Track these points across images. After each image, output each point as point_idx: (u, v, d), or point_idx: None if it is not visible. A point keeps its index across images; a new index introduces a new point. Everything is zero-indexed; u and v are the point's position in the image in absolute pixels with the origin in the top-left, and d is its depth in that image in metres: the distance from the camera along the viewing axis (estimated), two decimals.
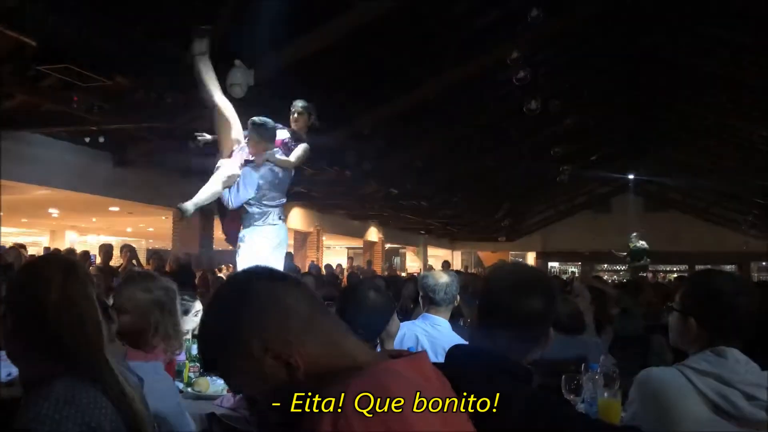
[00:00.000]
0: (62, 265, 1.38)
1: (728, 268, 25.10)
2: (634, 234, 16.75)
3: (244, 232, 4.65)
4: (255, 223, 4.59)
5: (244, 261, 4.51)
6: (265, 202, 4.64)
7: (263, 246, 4.53)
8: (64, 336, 1.33)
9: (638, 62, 12.04)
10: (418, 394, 0.93)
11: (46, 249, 10.57)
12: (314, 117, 5.06)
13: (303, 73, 8.18)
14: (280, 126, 4.91)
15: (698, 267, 25.67)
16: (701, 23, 9.60)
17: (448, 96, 9.79)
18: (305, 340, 1.02)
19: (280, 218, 4.70)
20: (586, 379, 2.45)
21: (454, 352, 1.61)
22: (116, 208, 12.84)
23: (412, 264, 24.37)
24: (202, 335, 1.08)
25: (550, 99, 10.78)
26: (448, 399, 1.05)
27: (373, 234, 19.51)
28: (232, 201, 4.65)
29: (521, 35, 8.51)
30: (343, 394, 0.91)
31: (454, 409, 1.05)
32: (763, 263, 25.94)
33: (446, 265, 15.97)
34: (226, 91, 6.25)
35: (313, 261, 14.67)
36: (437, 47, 9.11)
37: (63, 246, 14.38)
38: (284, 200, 4.80)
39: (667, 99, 14.01)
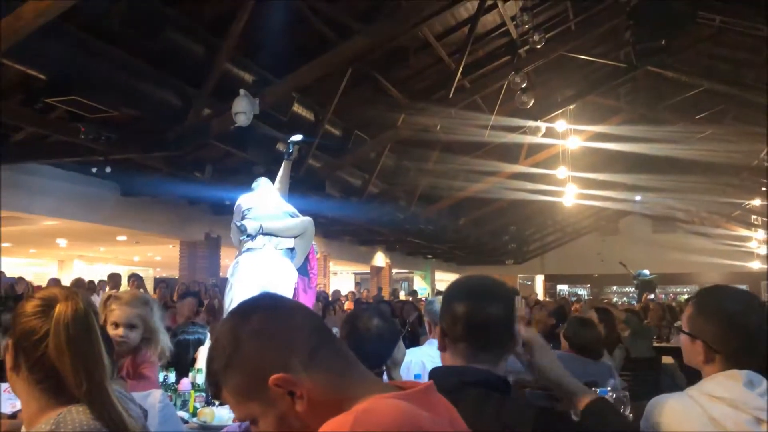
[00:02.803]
0: (64, 298, 1.38)
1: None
2: (643, 271, 16.71)
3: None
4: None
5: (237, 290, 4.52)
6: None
7: (246, 285, 4.53)
8: (66, 371, 1.32)
9: None
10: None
11: (53, 280, 10.58)
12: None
13: (303, 98, 8.28)
14: None
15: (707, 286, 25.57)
16: None
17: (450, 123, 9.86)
18: (310, 370, 1.01)
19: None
20: None
21: (432, 373, 1.60)
22: (124, 237, 12.90)
23: (421, 288, 24.27)
24: (208, 364, 1.07)
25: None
26: (459, 428, 1.03)
27: (380, 259, 19.48)
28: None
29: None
30: (340, 427, 0.90)
31: None
32: None
33: None
34: (233, 122, 6.34)
35: (321, 288, 14.63)
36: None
37: (71, 275, 14.42)
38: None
39: None
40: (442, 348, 1.61)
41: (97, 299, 6.42)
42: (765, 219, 20.93)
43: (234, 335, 1.04)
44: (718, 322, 1.74)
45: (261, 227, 4.49)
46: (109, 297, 2.70)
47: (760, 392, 1.67)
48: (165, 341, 2.73)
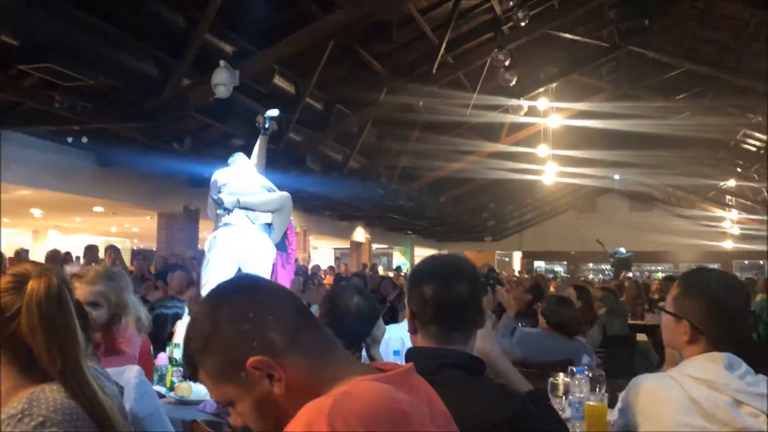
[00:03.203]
0: (37, 274, 1.34)
1: (711, 267, 25.39)
2: (620, 249, 16.93)
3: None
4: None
5: (207, 284, 4.49)
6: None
7: (224, 260, 4.50)
8: (39, 349, 1.29)
9: None
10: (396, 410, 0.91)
11: (22, 251, 10.42)
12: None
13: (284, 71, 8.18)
14: None
15: (682, 265, 26.08)
16: None
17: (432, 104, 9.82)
18: (289, 353, 1.00)
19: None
20: (572, 382, 2.44)
21: (408, 353, 1.61)
22: (100, 209, 12.73)
23: (402, 263, 24.36)
24: (185, 345, 1.06)
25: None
26: (438, 412, 1.03)
27: (360, 234, 19.49)
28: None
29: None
30: (320, 409, 0.89)
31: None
32: (746, 262, 26.22)
33: None
34: (212, 93, 6.24)
35: (303, 263, 14.61)
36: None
37: (46, 246, 14.22)
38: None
39: None
40: (412, 330, 1.61)
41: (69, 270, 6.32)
42: (739, 200, 21.29)
43: (212, 317, 1.02)
44: (704, 303, 1.76)
45: (238, 201, 4.46)
46: (72, 276, 2.65)
47: (740, 374, 1.69)
48: (142, 313, 2.70)
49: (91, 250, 8.91)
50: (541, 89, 11.74)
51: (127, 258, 12.43)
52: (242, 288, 1.07)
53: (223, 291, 1.07)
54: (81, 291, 2.51)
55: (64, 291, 1.36)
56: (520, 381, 1.72)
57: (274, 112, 5.08)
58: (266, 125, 5.01)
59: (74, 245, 12.54)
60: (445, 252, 26.77)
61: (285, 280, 5.01)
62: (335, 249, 23.33)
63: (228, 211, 4.54)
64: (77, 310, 1.41)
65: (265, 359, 0.98)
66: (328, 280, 12.37)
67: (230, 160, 4.89)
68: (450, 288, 1.57)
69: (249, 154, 5.12)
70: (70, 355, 1.32)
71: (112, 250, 9.22)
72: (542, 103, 11.87)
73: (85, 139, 8.25)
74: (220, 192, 4.62)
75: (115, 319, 2.58)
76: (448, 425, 1.06)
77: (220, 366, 1.01)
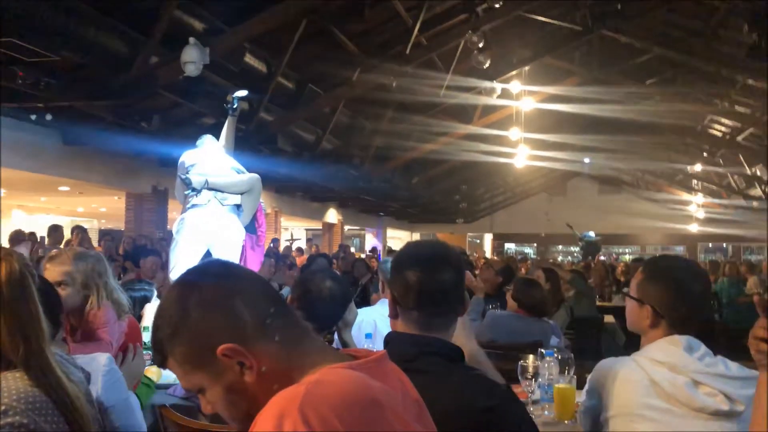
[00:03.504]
0: None
1: (678, 249, 26.00)
2: (588, 233, 17.18)
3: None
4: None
5: (175, 267, 4.43)
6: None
7: (192, 243, 4.44)
8: (2, 337, 1.25)
9: None
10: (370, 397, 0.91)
11: None
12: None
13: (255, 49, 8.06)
14: None
15: (648, 248, 26.62)
16: None
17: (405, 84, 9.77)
18: (260, 340, 0.99)
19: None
20: (541, 365, 2.47)
21: (388, 338, 1.61)
22: (66, 188, 12.46)
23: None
24: (154, 333, 1.03)
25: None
26: (410, 400, 1.03)
27: (333, 216, 19.43)
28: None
29: None
30: (291, 398, 0.88)
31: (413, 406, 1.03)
32: (710, 245, 26.86)
33: None
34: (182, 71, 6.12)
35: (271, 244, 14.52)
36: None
37: (10, 226, 13.88)
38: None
39: None
40: (393, 315, 1.61)
41: (25, 250, 6.17)
42: (705, 184, 21.72)
43: (181, 303, 1.00)
44: (666, 289, 1.80)
45: (206, 182, 4.40)
46: (41, 258, 2.57)
47: (699, 356, 1.75)
48: (122, 297, 2.64)
49: (55, 230, 8.72)
50: (514, 72, 11.76)
51: (94, 238, 12.20)
52: (211, 274, 1.05)
53: (192, 277, 1.05)
54: (50, 271, 2.45)
55: (27, 276, 1.32)
56: (495, 374, 1.73)
57: (242, 93, 5.00)
58: (234, 106, 4.93)
59: (39, 225, 12.25)
60: (418, 235, 26.93)
61: (255, 262, 4.97)
62: (307, 230, 23.26)
63: (196, 191, 4.48)
64: (45, 295, 1.38)
65: (235, 347, 0.97)
66: (302, 260, 12.34)
67: (198, 142, 4.81)
68: (434, 274, 1.56)
69: (219, 134, 5.04)
70: (33, 341, 1.28)
71: (79, 230, 9.05)
72: (515, 86, 11.90)
73: (49, 117, 8.04)
74: (188, 173, 4.56)
75: (85, 301, 2.51)
76: (421, 412, 1.06)
77: (189, 353, 0.99)
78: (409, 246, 1.74)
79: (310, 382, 0.92)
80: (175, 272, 4.42)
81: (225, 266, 1.09)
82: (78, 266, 2.50)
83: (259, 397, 0.96)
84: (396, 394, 1.00)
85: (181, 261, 4.36)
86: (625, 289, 1.93)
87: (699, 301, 1.82)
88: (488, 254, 23.53)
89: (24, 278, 1.31)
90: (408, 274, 1.56)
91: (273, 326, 1.01)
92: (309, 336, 1.06)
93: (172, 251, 4.53)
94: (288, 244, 15.33)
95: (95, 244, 10.58)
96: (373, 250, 18.42)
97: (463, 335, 1.73)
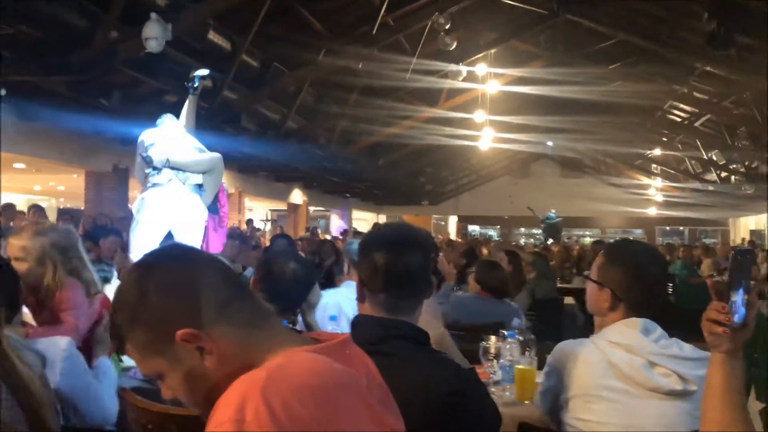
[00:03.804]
0: None
1: (636, 232, 26.60)
2: (550, 214, 17.44)
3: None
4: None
5: (135, 248, 4.37)
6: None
7: (154, 224, 4.38)
8: None
9: None
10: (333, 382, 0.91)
11: None
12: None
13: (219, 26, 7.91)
14: None
15: (608, 231, 27.16)
16: None
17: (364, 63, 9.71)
18: (219, 324, 0.98)
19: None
20: (503, 346, 2.51)
21: (355, 321, 1.62)
22: (22, 165, 12.09)
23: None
24: (112, 317, 1.02)
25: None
26: (375, 383, 1.03)
27: (297, 196, 19.30)
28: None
29: None
30: (253, 382, 0.87)
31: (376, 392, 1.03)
32: (667, 228, 27.52)
33: (376, 227, 15.95)
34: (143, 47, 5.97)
35: (234, 224, 14.38)
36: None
37: None
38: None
39: None
40: (360, 298, 1.61)
41: None
42: (663, 168, 22.20)
43: (139, 287, 0.99)
44: (625, 273, 1.85)
45: (167, 160, 4.33)
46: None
47: (654, 338, 1.80)
48: (93, 275, 2.54)
49: (7, 209, 8.47)
50: (480, 55, 11.78)
51: (52, 217, 11.89)
52: (170, 257, 1.04)
53: (151, 261, 1.03)
54: (10, 246, 2.39)
55: None
56: (461, 359, 1.76)
57: (203, 72, 4.92)
58: (195, 85, 4.84)
59: None
60: (384, 217, 26.96)
61: (217, 243, 4.93)
62: (271, 211, 23.06)
63: (157, 170, 4.40)
64: (1, 278, 1.34)
65: (194, 332, 0.96)
66: (264, 241, 12.24)
67: (158, 122, 4.72)
68: (401, 257, 1.57)
69: (180, 113, 4.95)
70: None
71: (35, 209, 8.82)
72: (480, 68, 11.93)
73: (3, 92, 7.76)
74: (147, 152, 4.48)
75: (41, 278, 2.38)
76: (385, 396, 1.06)
77: (147, 338, 0.98)
78: (377, 229, 1.75)
79: (272, 366, 0.91)
80: (136, 253, 4.36)
81: (184, 250, 1.08)
82: (35, 241, 2.41)
83: (219, 382, 0.96)
84: (360, 378, 1.00)
85: (142, 241, 4.30)
86: (586, 272, 1.97)
87: (656, 284, 1.87)
88: (453, 236, 23.69)
89: None
90: (375, 257, 1.57)
91: (233, 310, 1.00)
92: (270, 320, 1.05)
93: (132, 231, 4.46)
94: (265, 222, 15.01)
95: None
96: (344, 232, 18.26)
97: (430, 318, 1.75)
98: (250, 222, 15.39)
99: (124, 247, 5.57)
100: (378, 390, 1.05)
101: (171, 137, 4.57)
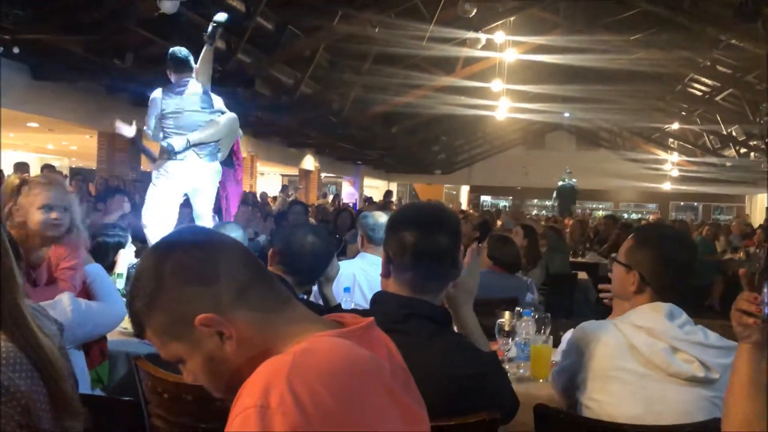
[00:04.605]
0: None
1: (650, 206, 26.42)
2: (567, 170, 17.26)
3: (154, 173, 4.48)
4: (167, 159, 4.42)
5: (148, 209, 4.35)
6: (170, 132, 4.43)
7: (170, 191, 4.37)
8: None
9: None
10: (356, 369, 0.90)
11: None
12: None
13: None
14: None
15: (621, 205, 26.99)
16: None
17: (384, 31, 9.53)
18: (239, 309, 0.95)
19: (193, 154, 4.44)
20: (518, 324, 2.49)
21: (377, 297, 1.60)
22: (35, 124, 12.11)
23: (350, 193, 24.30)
24: (130, 303, 1.00)
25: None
26: (397, 367, 1.02)
27: (309, 162, 19.26)
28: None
29: None
30: (278, 368, 0.86)
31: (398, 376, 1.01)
32: (681, 203, 27.31)
33: (389, 194, 15.90)
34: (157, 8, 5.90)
35: (246, 190, 14.37)
36: None
37: None
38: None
39: None
40: (386, 274, 1.59)
41: None
42: (680, 143, 21.91)
43: (156, 272, 0.96)
44: (655, 256, 1.82)
45: (188, 141, 4.32)
46: (22, 183, 2.33)
47: (679, 324, 1.77)
48: (85, 235, 2.51)
49: (20, 168, 8.50)
50: (499, 22, 11.55)
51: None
52: (188, 241, 1.01)
53: (168, 245, 1.01)
54: (49, 193, 2.28)
55: (0, 227, 1.26)
56: (482, 337, 1.73)
57: (221, 17, 4.75)
58: (212, 32, 4.68)
59: (7, 162, 11.94)
60: (395, 185, 26.90)
61: (235, 197, 4.94)
62: (283, 176, 23.08)
63: (179, 153, 4.40)
64: (12, 246, 1.32)
65: (214, 316, 0.94)
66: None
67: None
68: (431, 237, 1.54)
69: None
70: (8, 295, 1.23)
71: (48, 169, 8.85)
72: (499, 36, 11.70)
73: (16, 50, 7.71)
74: (163, 116, 4.45)
75: (69, 234, 2.35)
76: (407, 380, 1.05)
77: (167, 324, 0.96)
78: (408, 206, 1.71)
79: (296, 351, 0.89)
80: (149, 213, 4.37)
81: (202, 233, 1.06)
82: (72, 195, 2.40)
83: (240, 366, 0.94)
84: (383, 363, 0.98)
85: (155, 204, 4.32)
86: (614, 255, 1.94)
87: (685, 270, 1.84)
88: (464, 206, 23.63)
89: None
90: (405, 235, 1.54)
91: (252, 294, 0.97)
92: (291, 303, 1.02)
93: (148, 192, 4.46)
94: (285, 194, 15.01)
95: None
96: (369, 199, 17.95)
97: (461, 301, 1.72)
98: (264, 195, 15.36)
99: (134, 206, 5.61)
100: (401, 374, 1.03)
101: (187, 103, 4.50)
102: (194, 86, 4.53)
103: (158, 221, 4.30)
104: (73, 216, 2.36)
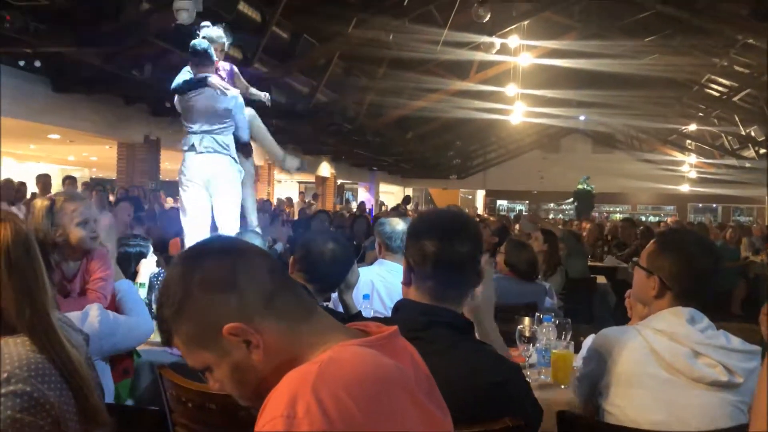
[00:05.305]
0: (2, 219, 1.26)
1: (668, 208, 26.15)
2: (585, 177, 17.18)
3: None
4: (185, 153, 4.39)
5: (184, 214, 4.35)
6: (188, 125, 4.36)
7: (194, 191, 4.32)
8: (6, 299, 1.22)
9: None
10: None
11: None
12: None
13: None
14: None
15: (639, 207, 26.74)
16: None
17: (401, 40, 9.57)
18: (266, 318, 0.97)
19: (208, 148, 4.29)
20: (539, 330, 2.48)
21: (399, 305, 1.61)
22: (56, 136, 12.28)
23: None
24: (158, 311, 1.02)
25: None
26: (422, 376, 1.02)
27: (325, 169, 19.32)
28: None
29: None
30: (304, 378, 0.87)
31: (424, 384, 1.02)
32: (699, 205, 27.02)
33: (407, 200, 15.90)
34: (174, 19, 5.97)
35: (264, 198, 14.46)
36: None
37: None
38: (213, 127, 4.35)
39: None
40: (407, 282, 1.60)
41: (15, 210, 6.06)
42: (698, 144, 21.69)
43: (184, 281, 0.98)
44: (675, 261, 1.81)
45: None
46: (52, 203, 2.36)
47: (701, 328, 1.76)
48: (112, 246, 2.58)
49: (42, 179, 8.63)
50: (513, 26, 11.53)
51: (79, 188, 12.04)
52: (214, 251, 1.03)
53: (195, 254, 1.03)
54: (84, 208, 2.34)
55: (32, 237, 1.29)
56: (502, 347, 1.74)
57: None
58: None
59: (29, 173, 12.12)
60: (410, 190, 26.87)
61: None
62: (300, 183, 23.16)
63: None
64: (44, 257, 1.35)
65: (241, 325, 0.95)
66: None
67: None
68: (452, 245, 1.54)
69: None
70: (39, 305, 1.26)
71: (70, 180, 8.98)
72: (513, 40, 11.68)
73: (38, 63, 7.85)
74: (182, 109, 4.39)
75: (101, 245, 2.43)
76: (432, 388, 1.05)
77: (194, 332, 0.97)
78: (429, 214, 1.72)
79: (322, 360, 0.90)
80: (187, 219, 4.30)
81: (230, 242, 1.07)
82: (88, 200, 2.47)
83: (267, 375, 0.96)
84: (408, 371, 0.99)
85: (191, 209, 4.29)
86: (635, 259, 1.93)
87: (706, 275, 1.83)
88: (480, 211, 23.56)
89: (29, 240, 1.28)
90: (426, 243, 1.54)
91: (279, 303, 0.99)
92: (316, 311, 1.04)
93: (181, 195, 4.40)
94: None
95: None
96: (397, 206, 17.90)
97: (483, 310, 1.73)
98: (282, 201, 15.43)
99: (139, 217, 5.60)
100: (425, 382, 1.04)
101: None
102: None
103: (194, 228, 4.26)
104: (100, 228, 2.42)
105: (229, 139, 4.41)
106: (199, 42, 4.40)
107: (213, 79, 4.27)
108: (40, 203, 2.39)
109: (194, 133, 4.30)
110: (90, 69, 8.37)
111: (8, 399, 1.16)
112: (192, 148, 4.28)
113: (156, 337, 2.61)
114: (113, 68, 8.09)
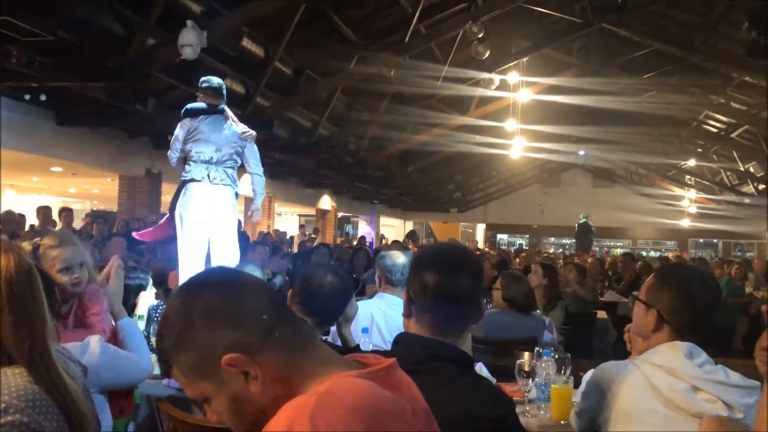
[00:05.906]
0: (5, 250, 1.27)
1: (669, 243, 26.12)
2: (584, 214, 17.26)
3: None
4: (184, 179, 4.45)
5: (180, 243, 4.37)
6: (192, 155, 4.46)
7: (193, 218, 4.36)
8: (6, 330, 1.23)
9: None
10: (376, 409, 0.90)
11: None
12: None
13: (253, 33, 7.99)
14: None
15: (640, 242, 26.71)
16: None
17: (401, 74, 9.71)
18: (264, 349, 0.97)
19: (211, 178, 4.40)
20: (539, 364, 2.47)
21: (398, 338, 1.60)
22: (59, 169, 12.36)
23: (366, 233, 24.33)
24: (158, 341, 1.02)
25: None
26: (420, 409, 1.02)
27: (326, 202, 19.39)
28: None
29: None
30: (302, 409, 0.87)
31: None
32: (701, 240, 26.99)
33: (412, 234, 15.93)
34: (179, 54, 6.06)
35: (262, 231, 14.48)
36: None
37: (1, 206, 13.76)
38: (218, 156, 4.50)
39: None
40: (407, 314, 1.60)
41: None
42: (697, 179, 21.78)
43: (184, 312, 0.99)
44: (674, 295, 1.81)
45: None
46: (35, 248, 2.49)
47: (699, 363, 1.75)
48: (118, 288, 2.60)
49: (42, 211, 8.68)
50: (512, 63, 11.70)
51: (77, 220, 12.06)
52: (214, 283, 1.04)
53: (195, 286, 1.03)
54: (65, 253, 2.39)
55: (34, 269, 1.30)
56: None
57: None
58: None
59: (30, 205, 12.16)
60: (411, 224, 26.89)
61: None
62: (300, 216, 23.22)
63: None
64: (46, 288, 1.35)
65: (239, 356, 0.95)
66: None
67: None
68: (453, 279, 1.55)
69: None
70: (39, 336, 1.26)
71: (66, 212, 9.04)
72: (512, 77, 11.84)
73: (43, 97, 7.95)
74: (188, 133, 4.47)
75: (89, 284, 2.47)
76: (429, 422, 1.05)
77: (193, 363, 0.98)
78: (431, 247, 1.73)
79: (320, 392, 0.90)
80: (184, 256, 4.33)
81: (229, 274, 1.08)
82: (81, 247, 2.48)
83: (265, 406, 0.95)
84: (406, 404, 0.99)
85: (188, 248, 4.31)
86: (635, 293, 1.93)
87: (706, 310, 1.82)
88: (480, 244, 23.55)
89: (31, 270, 1.29)
90: (426, 276, 1.55)
91: (278, 334, 0.99)
92: (315, 343, 1.04)
93: (179, 231, 4.44)
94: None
95: (79, 226, 10.53)
96: (412, 234, 17.89)
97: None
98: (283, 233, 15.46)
99: (139, 250, 5.59)
100: (423, 416, 1.03)
101: (216, 127, 4.57)
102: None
103: (189, 264, 4.27)
104: (89, 267, 2.47)
105: (235, 173, 4.50)
106: (215, 77, 4.55)
107: (228, 111, 4.41)
108: (25, 246, 2.43)
109: (205, 162, 4.39)
110: (94, 103, 8.47)
111: (6, 429, 1.16)
112: (204, 178, 4.37)
113: (155, 370, 2.60)
114: (117, 102, 8.18)
